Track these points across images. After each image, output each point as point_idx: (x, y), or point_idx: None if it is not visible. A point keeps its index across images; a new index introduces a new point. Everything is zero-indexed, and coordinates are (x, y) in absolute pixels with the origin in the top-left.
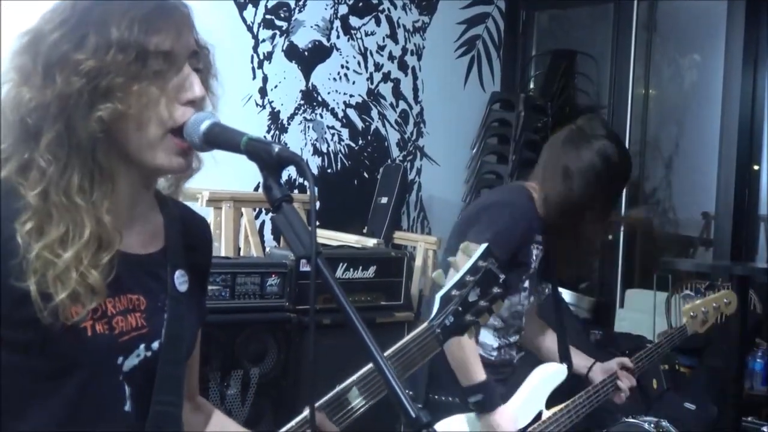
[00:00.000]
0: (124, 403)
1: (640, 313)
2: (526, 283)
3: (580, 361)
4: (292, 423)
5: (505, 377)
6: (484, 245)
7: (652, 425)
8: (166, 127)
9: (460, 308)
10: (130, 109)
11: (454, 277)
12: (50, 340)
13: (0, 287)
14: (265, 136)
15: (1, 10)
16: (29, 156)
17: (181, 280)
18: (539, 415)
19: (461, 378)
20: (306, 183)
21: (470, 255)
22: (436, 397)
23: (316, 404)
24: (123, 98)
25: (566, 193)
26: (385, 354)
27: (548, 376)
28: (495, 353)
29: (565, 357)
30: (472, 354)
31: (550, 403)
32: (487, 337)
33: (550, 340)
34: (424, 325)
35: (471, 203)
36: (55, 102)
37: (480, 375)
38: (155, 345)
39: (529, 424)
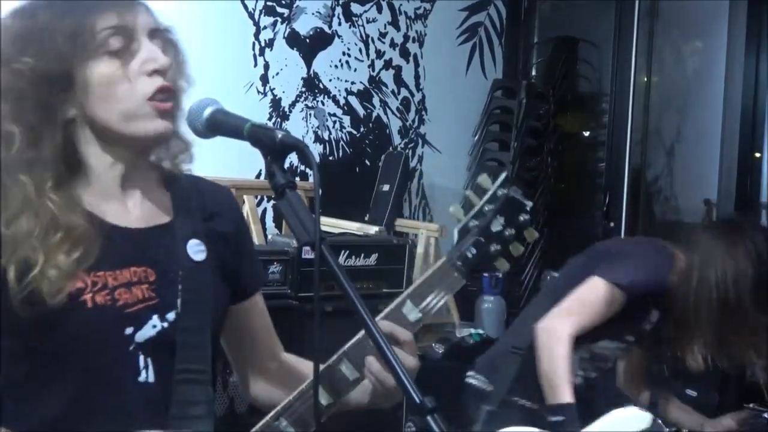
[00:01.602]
0: (137, 374)
1: None
2: (630, 338)
3: (689, 417)
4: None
5: None
6: (504, 174)
7: None
8: (139, 98)
9: (482, 239)
10: (95, 92)
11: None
12: (49, 318)
13: None
14: (266, 124)
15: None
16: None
17: (196, 249)
18: None
19: (547, 393)
20: (308, 170)
21: (488, 188)
22: (518, 400)
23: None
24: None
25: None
26: (407, 291)
27: (625, 419)
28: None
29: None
30: (564, 372)
31: None
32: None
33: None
34: (443, 258)
35: (603, 242)
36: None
37: (567, 396)
38: (171, 316)
39: None
